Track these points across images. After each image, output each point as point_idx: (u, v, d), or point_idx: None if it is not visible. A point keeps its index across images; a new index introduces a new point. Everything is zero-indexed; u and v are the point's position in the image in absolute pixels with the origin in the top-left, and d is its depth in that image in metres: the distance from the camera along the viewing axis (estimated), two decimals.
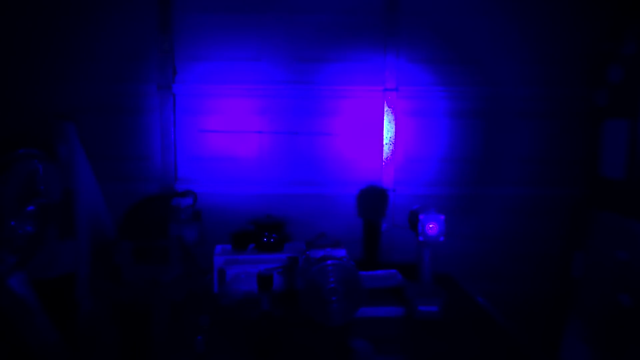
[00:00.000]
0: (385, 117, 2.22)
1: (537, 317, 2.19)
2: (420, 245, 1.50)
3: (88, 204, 1.66)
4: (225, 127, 2.22)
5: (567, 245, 2.23)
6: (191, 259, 1.68)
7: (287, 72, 2.21)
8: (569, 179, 2.25)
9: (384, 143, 2.23)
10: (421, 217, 1.48)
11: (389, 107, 2.22)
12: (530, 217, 2.26)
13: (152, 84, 2.18)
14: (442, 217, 1.48)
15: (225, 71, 2.20)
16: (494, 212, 2.25)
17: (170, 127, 2.19)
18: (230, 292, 1.55)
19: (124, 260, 1.64)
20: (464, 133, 2.24)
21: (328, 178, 2.26)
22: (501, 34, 2.21)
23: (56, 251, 1.63)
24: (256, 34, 2.19)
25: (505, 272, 2.27)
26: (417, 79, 2.22)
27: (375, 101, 2.23)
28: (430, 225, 1.48)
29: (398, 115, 2.23)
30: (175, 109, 2.20)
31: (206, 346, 1.26)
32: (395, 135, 2.23)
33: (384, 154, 2.24)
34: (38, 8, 2.12)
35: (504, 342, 1.35)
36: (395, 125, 2.23)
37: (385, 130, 2.23)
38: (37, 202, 1.55)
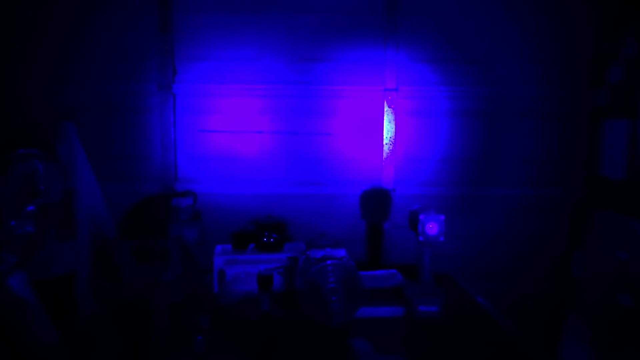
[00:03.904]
0: (385, 117, 2.22)
1: (537, 317, 2.19)
2: (420, 245, 1.50)
3: (88, 204, 1.66)
4: (226, 127, 2.22)
5: (567, 245, 2.23)
6: (191, 259, 1.68)
7: (287, 72, 2.21)
8: (569, 179, 2.25)
9: (384, 143, 2.23)
10: (421, 217, 1.48)
11: (389, 107, 2.22)
12: (530, 217, 2.26)
13: (152, 84, 2.18)
14: (442, 217, 1.49)
15: (225, 71, 2.20)
16: (495, 212, 2.26)
17: (170, 127, 2.19)
18: (230, 292, 1.55)
19: (124, 260, 1.64)
20: (465, 133, 2.24)
21: (328, 178, 2.26)
22: (502, 34, 2.21)
23: (56, 251, 1.63)
24: (256, 34, 2.19)
25: (505, 272, 2.27)
26: (417, 79, 2.22)
27: (375, 101, 2.23)
28: (430, 225, 1.48)
29: (398, 115, 2.23)
30: (175, 109, 2.20)
31: (206, 346, 1.26)
32: (395, 135, 2.23)
33: (384, 154, 2.24)
34: (38, 8, 2.12)
35: (504, 342, 1.35)
36: (396, 125, 2.23)
37: (386, 130, 2.23)
38: (37, 202, 1.55)
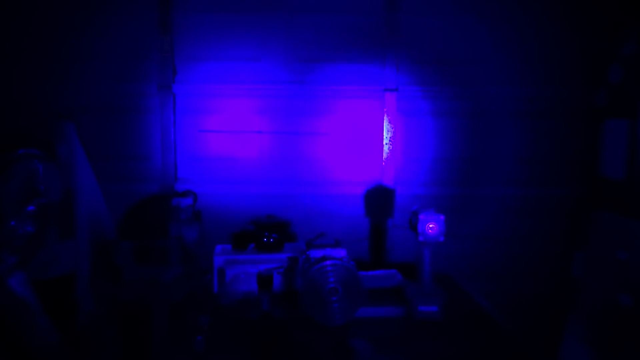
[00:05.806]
0: (385, 117, 2.22)
1: (537, 317, 2.19)
2: (420, 245, 1.50)
3: (88, 204, 1.66)
4: (226, 127, 2.22)
5: (567, 245, 2.23)
6: (191, 259, 1.67)
7: (287, 72, 2.21)
8: (569, 179, 2.25)
9: (384, 143, 2.23)
10: (421, 217, 1.48)
11: (389, 107, 2.22)
12: (530, 217, 2.26)
13: (152, 84, 2.18)
14: (442, 217, 1.49)
15: (225, 71, 2.20)
16: (495, 212, 2.26)
17: (170, 127, 2.19)
18: (230, 292, 1.55)
19: (124, 260, 1.64)
20: (465, 133, 2.24)
21: (328, 178, 2.26)
22: (502, 35, 2.21)
23: (56, 251, 1.63)
24: (256, 34, 2.19)
25: (505, 272, 2.27)
26: (417, 79, 2.22)
27: (375, 101, 2.23)
28: (430, 225, 1.48)
29: (398, 115, 2.23)
30: (175, 109, 2.20)
31: (206, 346, 1.26)
32: (395, 135, 2.23)
33: (383, 154, 2.24)
34: (38, 8, 2.12)
35: (504, 342, 1.35)
36: (395, 125, 2.23)
37: (385, 130, 2.23)
38: (37, 202, 1.55)
